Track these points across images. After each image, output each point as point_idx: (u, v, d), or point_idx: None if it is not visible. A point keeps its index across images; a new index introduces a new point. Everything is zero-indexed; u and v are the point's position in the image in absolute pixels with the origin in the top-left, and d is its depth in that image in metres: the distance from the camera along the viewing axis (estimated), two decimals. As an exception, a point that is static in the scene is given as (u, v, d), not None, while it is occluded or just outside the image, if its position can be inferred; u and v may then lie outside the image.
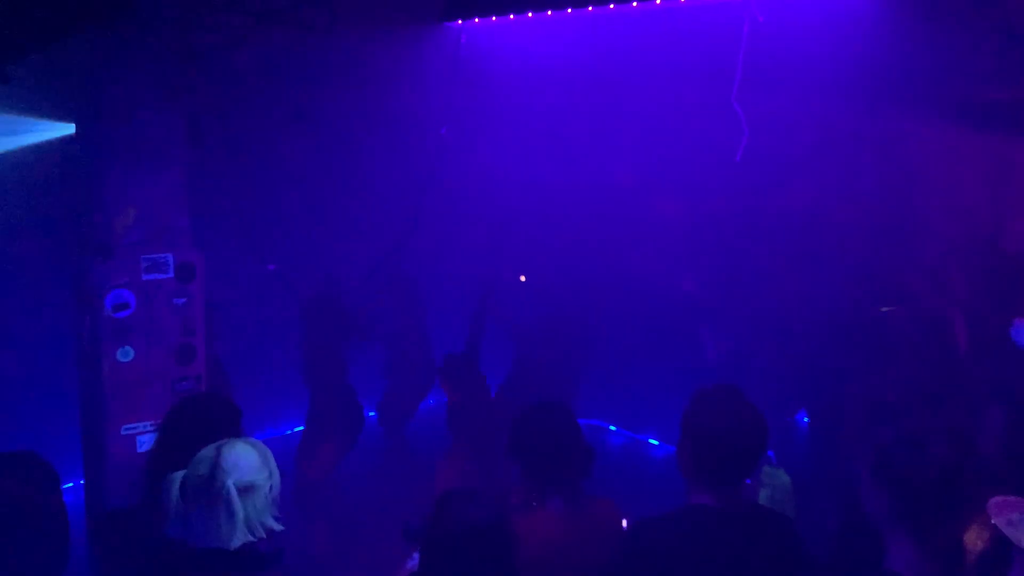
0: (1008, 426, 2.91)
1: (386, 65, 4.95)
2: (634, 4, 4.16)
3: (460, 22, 4.81)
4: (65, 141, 4.62)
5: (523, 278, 7.55)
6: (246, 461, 2.24)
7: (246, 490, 2.21)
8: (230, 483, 2.18)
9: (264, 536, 2.24)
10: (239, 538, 2.18)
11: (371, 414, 6.22)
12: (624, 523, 2.83)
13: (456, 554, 2.26)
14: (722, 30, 3.87)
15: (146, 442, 3.92)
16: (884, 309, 4.97)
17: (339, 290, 5.49)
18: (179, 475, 2.26)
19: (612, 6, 4.18)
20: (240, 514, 2.18)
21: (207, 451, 2.25)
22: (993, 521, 1.71)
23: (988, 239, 5.21)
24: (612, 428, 7.38)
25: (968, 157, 5.36)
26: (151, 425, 3.94)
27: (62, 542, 2.49)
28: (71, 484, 5.14)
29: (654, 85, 5.23)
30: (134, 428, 3.96)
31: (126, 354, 3.93)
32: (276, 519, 2.29)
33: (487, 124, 6.11)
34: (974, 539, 2.40)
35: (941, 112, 5.18)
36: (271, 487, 2.29)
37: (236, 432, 2.56)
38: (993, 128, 5.14)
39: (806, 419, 5.91)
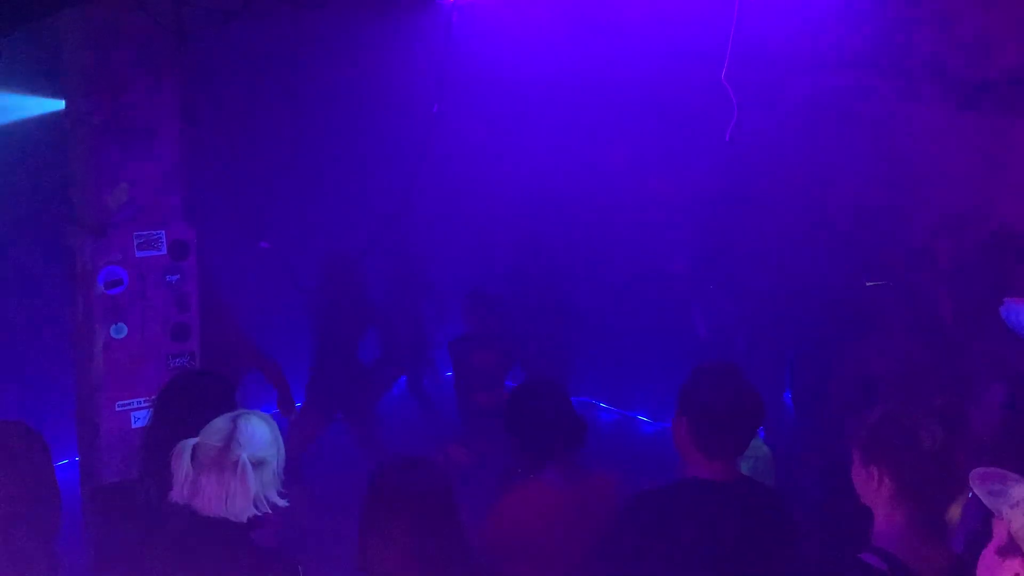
0: (1009, 403, 2.95)
1: (377, 42, 4.93)
2: (627, -18, 4.15)
3: (451, 0, 4.78)
4: (55, 117, 4.59)
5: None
6: (260, 435, 2.26)
7: (258, 464, 2.23)
8: (245, 457, 2.19)
9: (268, 511, 2.25)
10: (249, 511, 2.20)
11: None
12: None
13: (394, 523, 2.22)
14: (713, 8, 3.86)
15: (141, 418, 3.93)
16: (870, 284, 5.02)
17: (354, 269, 5.41)
18: (191, 442, 2.26)
19: (605, -16, 4.17)
20: (253, 489, 2.19)
21: (223, 421, 2.26)
22: (974, 490, 1.74)
23: (980, 216, 5.26)
24: (603, 405, 7.45)
25: (959, 134, 5.39)
26: (145, 401, 3.95)
27: (54, 510, 2.52)
28: (66, 461, 5.17)
29: (645, 64, 5.23)
30: (128, 404, 3.98)
31: (119, 331, 3.93)
32: (280, 494, 2.31)
33: (479, 103, 6.09)
34: (956, 513, 2.45)
35: (932, 90, 5.21)
36: (278, 462, 2.31)
37: (230, 406, 2.58)
38: (984, 106, 5.17)
39: (790, 398, 5.99)
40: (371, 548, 2.26)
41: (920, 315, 4.79)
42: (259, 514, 2.23)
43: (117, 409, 3.96)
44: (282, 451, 2.34)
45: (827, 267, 5.39)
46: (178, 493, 2.22)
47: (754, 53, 4.03)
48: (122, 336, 3.94)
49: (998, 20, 4.35)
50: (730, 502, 2.38)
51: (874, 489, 2.12)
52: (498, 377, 5.41)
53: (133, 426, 3.96)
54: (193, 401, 2.65)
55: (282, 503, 2.29)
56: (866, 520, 2.17)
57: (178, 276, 4.07)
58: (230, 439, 2.21)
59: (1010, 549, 1.62)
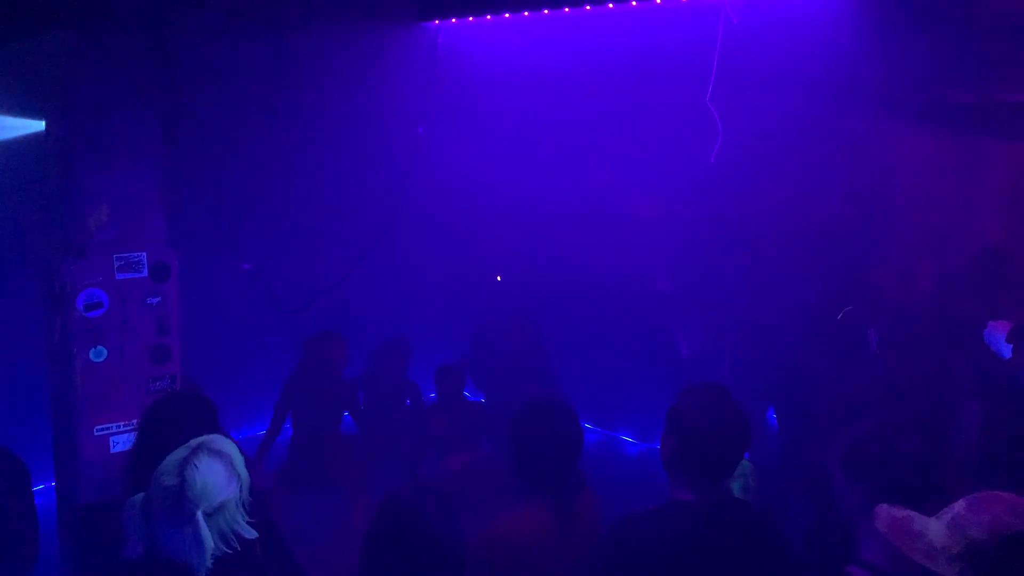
0: (985, 420, 2.98)
1: (362, 64, 4.95)
2: (610, 6, 4.19)
3: (437, 22, 4.82)
4: (36, 138, 4.56)
5: (499, 278, 7.57)
6: (214, 481, 2.13)
7: (217, 510, 2.13)
8: (199, 514, 2.08)
9: (238, 548, 2.17)
10: (208, 564, 2.10)
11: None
12: None
13: (399, 562, 2.17)
14: (697, 32, 3.92)
15: (120, 442, 3.88)
16: (844, 310, 5.06)
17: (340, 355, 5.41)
18: (139, 498, 2.16)
19: (588, 7, 4.22)
20: (209, 544, 2.09)
21: (171, 474, 2.13)
22: (907, 555, 1.70)
23: (960, 236, 5.33)
24: (587, 426, 7.43)
25: (938, 157, 5.48)
26: (125, 425, 3.90)
27: (32, 534, 2.46)
28: (41, 486, 5.07)
29: (629, 86, 5.28)
30: (107, 428, 3.91)
31: (99, 354, 3.88)
32: (249, 524, 2.21)
33: (464, 124, 6.12)
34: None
35: (911, 113, 5.29)
36: (240, 489, 2.21)
37: (214, 427, 2.54)
38: (962, 129, 5.26)
39: (773, 416, 6.01)
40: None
41: (902, 334, 4.83)
42: (228, 551, 2.15)
43: (96, 433, 3.89)
44: (244, 476, 2.23)
45: (810, 286, 5.44)
46: (132, 550, 2.11)
47: (737, 76, 4.09)
48: (102, 359, 3.89)
49: (972, 45, 4.44)
50: (718, 525, 2.35)
51: (858, 503, 2.13)
52: (463, 440, 5.43)
53: (112, 451, 3.90)
54: (178, 422, 2.61)
55: (252, 534, 2.20)
56: (851, 535, 2.18)
57: (159, 299, 4.03)
58: (179, 497, 2.08)
59: None
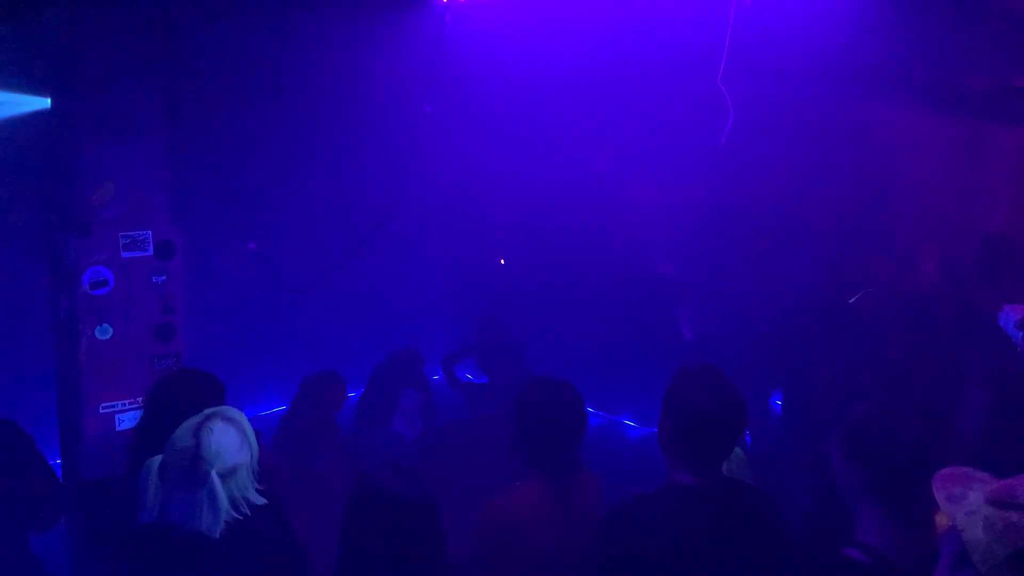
0: (990, 407, 2.98)
1: (369, 41, 4.91)
2: (620, -15, 4.15)
3: (445, 0, 4.77)
4: (41, 114, 4.54)
5: (503, 261, 7.57)
6: (228, 444, 2.19)
7: (229, 473, 2.18)
8: (214, 474, 2.14)
9: (248, 513, 2.22)
10: (221, 524, 2.15)
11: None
12: None
13: (378, 529, 2.17)
14: (709, 13, 3.88)
15: (125, 420, 3.90)
16: (852, 299, 5.05)
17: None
18: (157, 460, 2.21)
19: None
20: (224, 504, 2.14)
21: (186, 436, 2.19)
22: (935, 494, 1.74)
23: (964, 222, 5.30)
24: (589, 410, 7.44)
25: (943, 142, 5.44)
26: (130, 403, 3.92)
27: (47, 493, 2.50)
28: (47, 463, 5.09)
29: (639, 68, 5.23)
30: (112, 406, 3.93)
31: (104, 332, 3.89)
32: (258, 491, 2.27)
33: (471, 105, 6.09)
34: (944, 520, 2.46)
35: (917, 98, 5.25)
36: (251, 457, 2.27)
37: (220, 404, 2.55)
38: (969, 114, 5.22)
39: (779, 402, 6.01)
40: (350, 553, 2.24)
41: (907, 321, 4.82)
42: (239, 518, 2.20)
43: (101, 411, 3.91)
44: (254, 446, 2.29)
45: (815, 272, 5.42)
46: (147, 514, 2.16)
47: (743, 61, 4.05)
48: (107, 337, 3.90)
49: (981, 29, 4.40)
50: (714, 507, 2.36)
51: (855, 485, 2.14)
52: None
53: (117, 428, 3.92)
54: (184, 400, 2.63)
55: (260, 501, 2.25)
56: (851, 520, 2.19)
57: (164, 277, 4.03)
58: (195, 457, 2.15)
59: (963, 561, 1.60)
